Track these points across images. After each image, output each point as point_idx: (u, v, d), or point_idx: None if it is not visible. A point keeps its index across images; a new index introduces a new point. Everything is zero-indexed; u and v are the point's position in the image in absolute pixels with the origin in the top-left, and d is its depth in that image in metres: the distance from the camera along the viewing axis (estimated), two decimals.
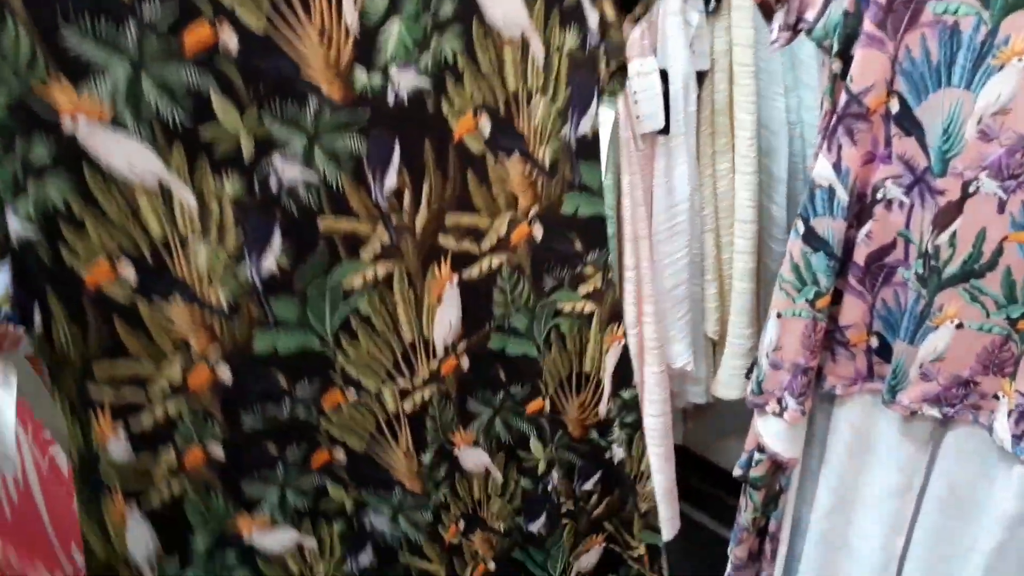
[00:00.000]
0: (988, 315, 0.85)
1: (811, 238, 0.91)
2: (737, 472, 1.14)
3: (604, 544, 0.91)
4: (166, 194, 0.53)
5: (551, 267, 0.74)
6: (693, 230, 1.21)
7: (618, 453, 0.86)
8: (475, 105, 0.64)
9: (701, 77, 1.17)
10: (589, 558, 0.90)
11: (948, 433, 0.94)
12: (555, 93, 0.69)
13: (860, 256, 0.90)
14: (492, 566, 0.84)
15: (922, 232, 0.85)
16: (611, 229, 1.15)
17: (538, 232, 0.71)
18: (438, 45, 0.61)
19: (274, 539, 0.67)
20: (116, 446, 0.57)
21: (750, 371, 1.08)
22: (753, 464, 1.10)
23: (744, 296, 1.24)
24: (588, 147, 0.73)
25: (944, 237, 0.84)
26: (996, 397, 0.88)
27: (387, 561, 0.74)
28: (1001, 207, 0.80)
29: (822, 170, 0.88)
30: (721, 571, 1.27)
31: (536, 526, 0.84)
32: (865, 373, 0.96)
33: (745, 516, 1.15)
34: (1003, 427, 0.87)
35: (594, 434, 0.84)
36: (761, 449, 1.07)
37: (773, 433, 1.06)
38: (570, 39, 0.67)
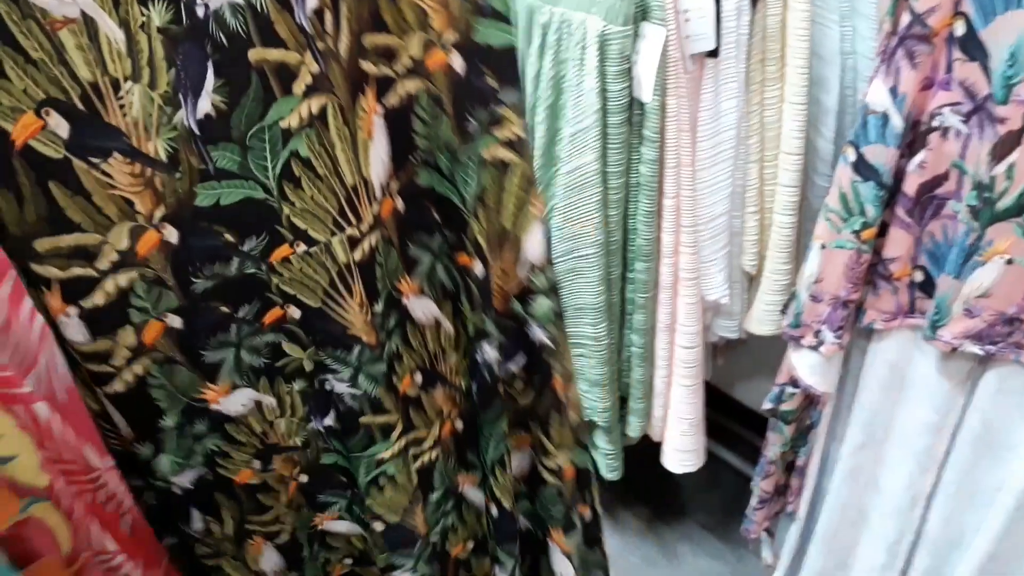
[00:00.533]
0: None
1: (861, 166, 0.89)
2: (767, 406, 1.14)
3: (531, 449, 0.87)
4: (91, 28, 0.51)
5: (471, 106, 0.70)
6: (737, 159, 1.18)
7: (538, 334, 0.80)
8: None
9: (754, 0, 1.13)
10: (520, 460, 0.87)
11: (988, 371, 0.93)
12: None
13: (911, 187, 0.87)
14: (460, 425, 0.84)
15: (978, 162, 0.83)
16: (653, 154, 1.13)
17: (457, 63, 0.68)
18: None
19: (234, 401, 0.68)
20: (70, 328, 0.57)
21: (785, 307, 1.07)
22: (785, 398, 1.10)
23: (784, 231, 1.21)
24: None
25: (1001, 168, 0.81)
26: None
27: (348, 427, 0.75)
28: None
29: (877, 95, 0.85)
30: (742, 506, 1.28)
31: (479, 394, 0.82)
32: (906, 308, 0.95)
33: (773, 450, 1.16)
34: None
35: (515, 304, 0.79)
36: (794, 383, 1.07)
37: (808, 367, 1.05)
38: None
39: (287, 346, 0.69)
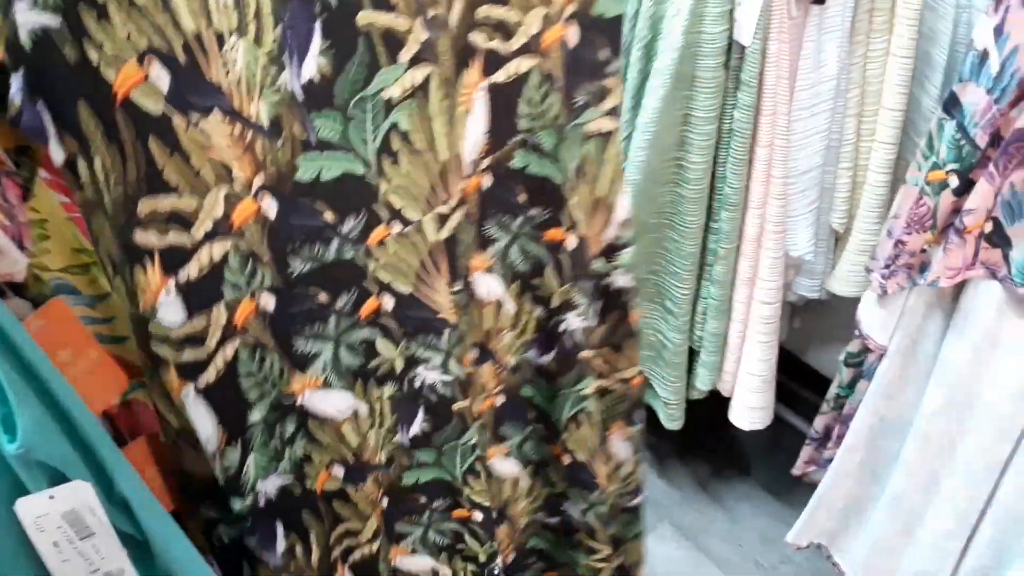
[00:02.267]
0: None
1: (950, 104, 0.87)
2: (842, 355, 1.13)
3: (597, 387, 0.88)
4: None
5: (582, 78, 0.69)
6: (835, 112, 1.16)
7: (619, 281, 0.81)
8: None
9: None
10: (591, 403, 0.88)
11: None
12: None
13: (1006, 131, 0.85)
14: (500, 401, 0.84)
15: None
16: (749, 99, 1.12)
17: (572, 35, 0.66)
18: None
19: (327, 402, 0.66)
20: (167, 306, 0.54)
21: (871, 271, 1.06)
22: (852, 341, 1.09)
23: (877, 189, 1.19)
24: None
25: None
26: None
27: (441, 419, 0.73)
28: None
29: (981, 31, 0.83)
30: None
31: (547, 360, 0.83)
32: (971, 260, 0.93)
33: (831, 391, 1.16)
34: None
35: (598, 264, 0.80)
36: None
37: (865, 308, 1.05)
38: None
39: (381, 344, 0.67)
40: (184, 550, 0.57)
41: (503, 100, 0.66)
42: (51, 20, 0.44)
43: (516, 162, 0.71)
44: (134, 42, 0.47)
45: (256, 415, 0.62)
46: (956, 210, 0.92)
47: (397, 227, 0.64)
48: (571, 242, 0.76)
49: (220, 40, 0.50)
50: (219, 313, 0.57)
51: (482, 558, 0.84)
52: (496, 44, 0.64)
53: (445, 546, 0.83)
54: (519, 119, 0.68)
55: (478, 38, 0.63)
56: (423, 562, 0.82)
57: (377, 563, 0.76)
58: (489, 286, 0.76)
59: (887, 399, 1.10)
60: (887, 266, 0.97)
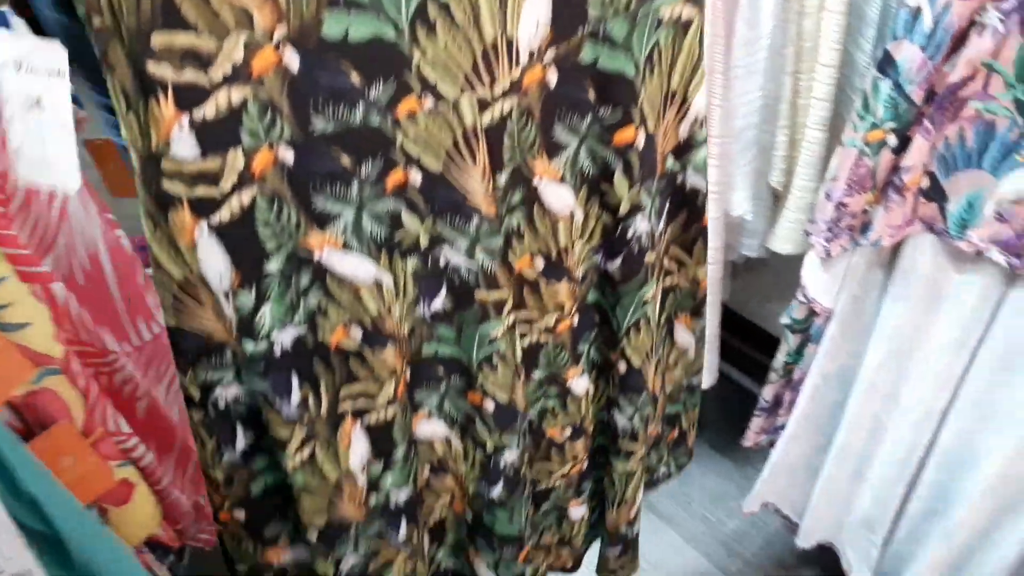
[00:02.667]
0: None
1: (884, 63, 0.87)
2: (784, 318, 1.14)
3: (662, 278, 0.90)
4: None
5: None
6: (771, 70, 1.15)
7: (692, 180, 0.81)
8: None
9: None
10: (651, 308, 0.89)
11: (1013, 287, 0.92)
12: None
13: (940, 86, 0.85)
14: (576, 320, 0.84)
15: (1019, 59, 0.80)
16: None
17: None
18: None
19: (346, 263, 0.65)
20: (181, 141, 0.54)
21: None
22: (795, 306, 1.10)
23: (815, 146, 1.19)
24: None
25: None
26: None
27: (462, 302, 0.72)
28: None
29: None
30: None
31: (613, 266, 0.81)
32: (909, 216, 0.94)
33: (778, 359, 1.17)
34: None
35: (671, 161, 0.78)
36: (804, 291, 1.07)
37: (810, 271, 1.05)
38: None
39: (406, 217, 0.66)
40: (105, 545, 0.55)
41: None
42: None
43: (585, 55, 0.67)
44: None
45: (273, 265, 0.62)
46: (895, 168, 0.92)
47: (429, 101, 0.62)
48: (640, 140, 0.73)
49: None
50: (235, 157, 0.57)
51: (489, 448, 0.83)
52: None
53: (459, 421, 0.83)
54: (588, 6, 0.65)
55: None
56: (439, 429, 0.83)
57: (392, 429, 0.76)
58: (561, 197, 0.73)
59: (833, 358, 1.12)
60: (829, 229, 0.98)
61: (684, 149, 0.78)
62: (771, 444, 1.27)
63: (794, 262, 1.11)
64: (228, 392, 0.69)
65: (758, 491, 1.29)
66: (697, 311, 0.96)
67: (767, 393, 1.23)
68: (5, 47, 0.51)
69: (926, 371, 1.03)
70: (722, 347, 1.41)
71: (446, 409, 0.82)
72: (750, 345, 1.63)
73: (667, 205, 0.82)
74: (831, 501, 1.24)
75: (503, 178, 0.69)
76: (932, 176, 0.91)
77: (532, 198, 0.72)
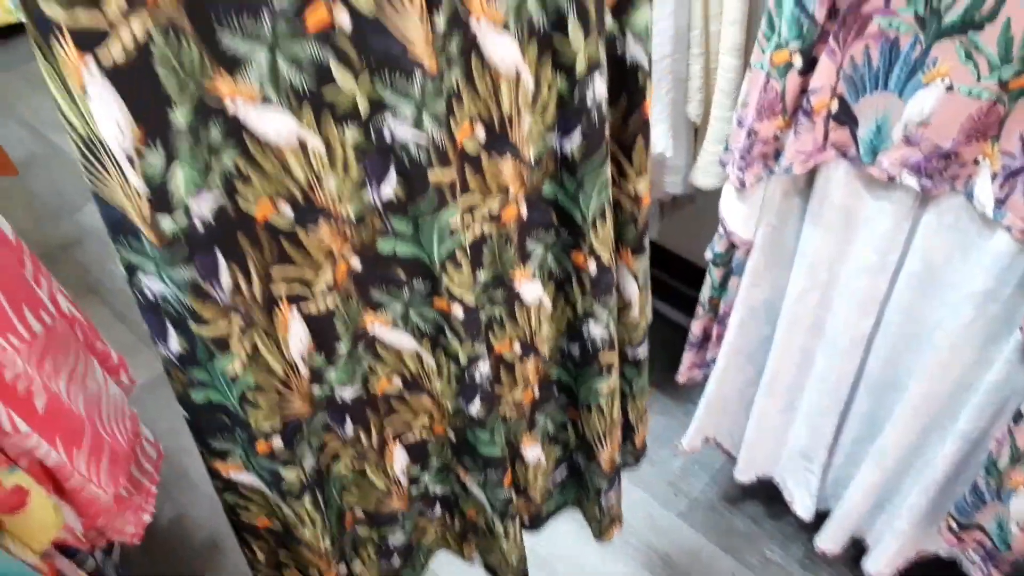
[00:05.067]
0: (979, 78, 0.78)
1: None
2: (707, 254, 1.11)
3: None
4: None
5: None
6: None
7: (636, 53, 0.72)
8: None
9: None
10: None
11: (927, 208, 0.90)
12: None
13: (842, 4, 0.82)
14: (524, 208, 0.77)
15: None
16: None
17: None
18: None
19: (266, 120, 0.59)
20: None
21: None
22: (717, 240, 1.08)
23: (730, 73, 1.15)
24: None
25: None
26: (976, 162, 0.83)
27: (416, 186, 0.66)
28: None
29: None
30: None
31: (570, 145, 0.73)
32: (820, 142, 0.91)
33: (703, 293, 1.15)
34: (985, 191, 0.83)
35: (608, 19, 0.70)
36: (724, 225, 1.05)
37: (727, 203, 1.03)
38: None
39: (337, 70, 0.58)
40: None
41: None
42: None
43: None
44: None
45: (179, 117, 0.54)
46: (803, 90, 0.89)
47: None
48: (592, 268, 0.78)
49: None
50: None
51: (463, 359, 0.78)
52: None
53: (428, 334, 0.78)
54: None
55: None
56: (407, 342, 0.79)
57: (333, 320, 0.72)
58: (504, 46, 0.65)
59: (757, 289, 1.10)
60: (742, 157, 0.94)
61: (623, 6, 0.69)
62: (705, 379, 1.26)
63: (717, 193, 1.08)
64: (152, 285, 0.62)
65: (696, 428, 1.29)
66: (639, 244, 0.86)
67: (695, 328, 1.21)
68: None
69: (848, 298, 1.02)
70: (654, 284, 1.39)
71: (413, 320, 0.76)
72: (682, 281, 1.61)
73: (609, 69, 0.73)
74: (765, 434, 1.24)
75: (441, 21, 0.61)
76: (841, 99, 0.88)
77: (470, 47, 0.64)
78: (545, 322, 0.87)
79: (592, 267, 0.80)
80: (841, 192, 0.94)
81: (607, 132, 0.73)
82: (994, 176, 0.81)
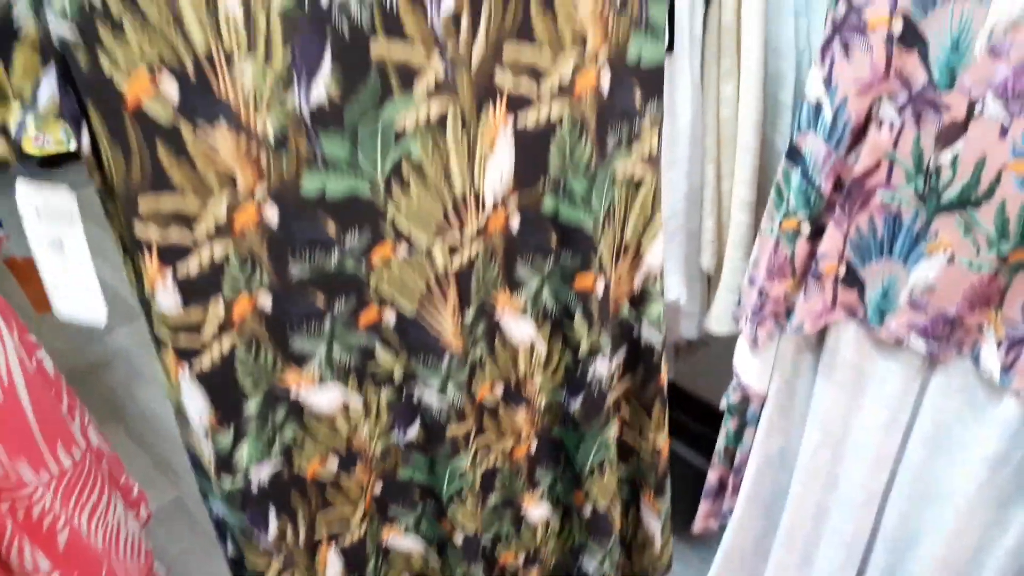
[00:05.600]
0: (979, 252, 0.82)
1: (793, 153, 0.89)
2: (722, 402, 1.13)
3: (620, 432, 0.90)
4: (211, 2, 0.50)
5: (614, 124, 0.68)
6: (693, 159, 1.17)
7: (651, 336, 0.82)
8: None
9: None
10: (614, 450, 0.90)
11: (936, 370, 0.92)
12: None
13: (847, 176, 0.87)
14: (534, 445, 0.85)
15: (919, 150, 0.82)
16: None
17: (605, 81, 0.65)
18: None
19: (321, 396, 0.67)
20: (164, 295, 0.57)
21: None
22: (731, 391, 1.10)
23: (741, 228, 1.20)
24: None
25: (946, 157, 0.80)
26: (981, 329, 0.86)
27: (435, 438, 0.74)
28: (1003, 132, 0.77)
29: (812, 83, 0.85)
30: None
31: (575, 405, 0.82)
32: (829, 303, 0.94)
33: (719, 443, 1.16)
34: (991, 357, 0.85)
35: (626, 309, 0.81)
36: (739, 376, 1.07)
37: (741, 357, 1.05)
38: None
39: (380, 352, 0.68)
40: None
41: (534, 144, 0.65)
42: (68, 32, 0.47)
43: (546, 207, 0.71)
44: (146, 55, 0.49)
45: (251, 405, 0.63)
46: (812, 254, 0.93)
47: (403, 249, 0.64)
48: (600, 287, 0.76)
49: (229, 59, 0.52)
50: (217, 307, 0.59)
51: None
52: (525, 88, 0.62)
53: (435, 542, 0.85)
54: (549, 164, 0.67)
55: (504, 79, 0.61)
56: (417, 545, 0.84)
57: (365, 544, 0.78)
58: (522, 328, 0.76)
59: (772, 440, 1.11)
60: (755, 315, 0.98)
61: (639, 300, 0.80)
62: (722, 529, 1.25)
63: (732, 337, 1.11)
64: (216, 508, 0.70)
65: None
66: (660, 488, 0.97)
67: (711, 477, 1.21)
68: (25, 196, 0.55)
69: (861, 454, 1.03)
70: (671, 425, 1.40)
71: (423, 529, 0.84)
72: (700, 421, 1.62)
73: (623, 353, 0.84)
74: None
75: (470, 314, 0.71)
76: (849, 264, 0.91)
77: (494, 329, 0.75)
78: (550, 539, 0.95)
79: (587, 511, 0.90)
80: (851, 350, 0.97)
81: (608, 402, 0.82)
82: (999, 343, 0.84)
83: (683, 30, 1.09)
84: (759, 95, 1.13)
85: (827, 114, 0.84)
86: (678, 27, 1.09)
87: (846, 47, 0.80)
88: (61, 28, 0.47)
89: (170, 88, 0.50)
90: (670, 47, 1.09)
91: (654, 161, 0.73)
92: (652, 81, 0.69)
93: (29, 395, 0.97)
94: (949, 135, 0.79)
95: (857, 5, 0.77)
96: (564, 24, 0.61)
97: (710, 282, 1.31)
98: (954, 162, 0.80)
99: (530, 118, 0.64)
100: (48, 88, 0.48)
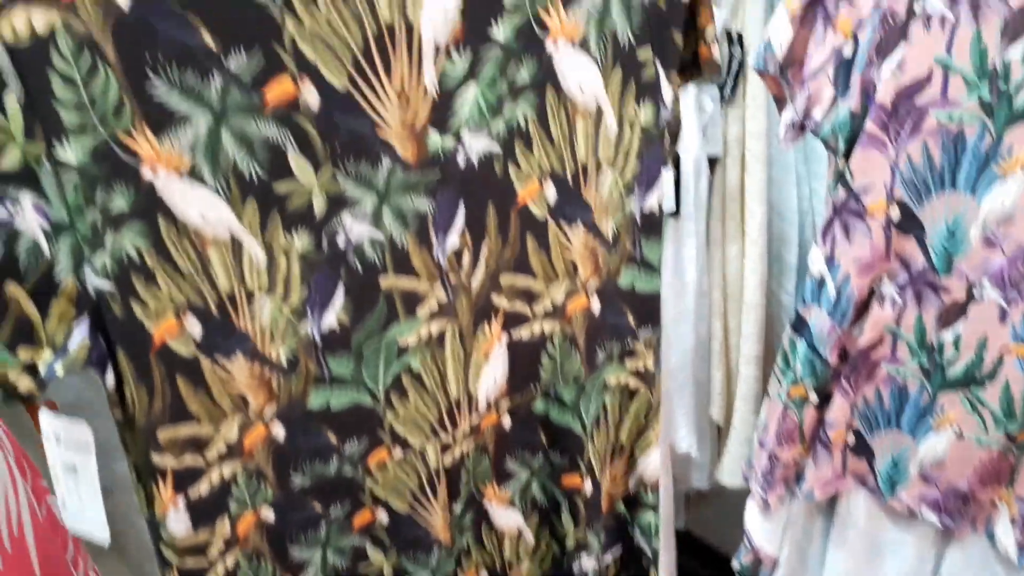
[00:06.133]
0: (987, 430, 0.83)
1: (798, 324, 0.91)
2: (735, 563, 1.11)
3: None
4: (236, 248, 0.53)
5: (604, 341, 0.71)
6: (700, 313, 1.20)
7: (639, 541, 0.83)
8: (541, 171, 0.63)
9: (713, 162, 1.17)
10: None
11: (952, 543, 0.91)
12: (625, 166, 0.67)
13: (852, 348, 0.89)
14: None
15: (924, 327, 0.84)
16: None
17: (596, 305, 0.69)
18: (512, 110, 0.60)
19: None
20: (175, 520, 0.57)
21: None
22: (743, 553, 1.08)
23: (750, 382, 1.22)
24: (653, 222, 0.71)
25: (949, 336, 0.82)
26: (994, 504, 0.86)
27: None
28: (1003, 316, 0.79)
29: (815, 259, 0.88)
30: None
31: None
32: (839, 470, 0.94)
33: None
34: (1007, 535, 0.84)
35: (620, 506, 0.81)
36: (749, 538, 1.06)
37: (751, 519, 1.04)
38: (644, 114, 0.66)
39: (371, 551, 0.67)
40: None
41: (525, 354, 0.68)
42: (107, 285, 0.50)
43: (538, 408, 0.73)
44: (175, 300, 0.52)
45: None
46: (820, 421, 0.94)
47: (399, 452, 0.65)
48: (588, 488, 0.76)
49: (250, 297, 0.54)
50: (223, 526, 0.59)
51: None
52: (520, 308, 0.67)
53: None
54: (541, 370, 0.70)
55: (500, 300, 0.65)
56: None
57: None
58: (509, 518, 0.76)
59: None
60: (765, 479, 0.98)
61: (632, 503, 0.81)
62: None
63: (744, 488, 1.10)
64: None
65: None
66: None
67: None
68: (47, 423, 0.59)
69: None
70: (681, 571, 1.37)
71: None
72: (710, 568, 1.58)
73: (618, 549, 0.83)
74: None
75: (458, 507, 0.71)
76: (857, 433, 0.92)
77: (481, 518, 0.75)
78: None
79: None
80: (863, 518, 0.96)
81: None
82: (1013, 520, 0.84)
83: (688, 194, 1.14)
84: (763, 255, 1.17)
85: (830, 290, 0.86)
86: (684, 191, 1.14)
87: (846, 229, 0.83)
88: (100, 283, 0.49)
89: (194, 327, 0.53)
90: (676, 212, 1.14)
91: (649, 378, 0.75)
92: (647, 307, 0.73)
93: (37, 546, 0.97)
94: (950, 316, 0.82)
95: (856, 190, 0.81)
96: (557, 259, 0.66)
97: (720, 432, 1.32)
98: (956, 341, 0.82)
99: (523, 333, 0.68)
100: (79, 335, 0.50)
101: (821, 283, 0.88)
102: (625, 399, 0.76)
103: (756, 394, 1.23)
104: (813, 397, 0.92)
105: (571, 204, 0.65)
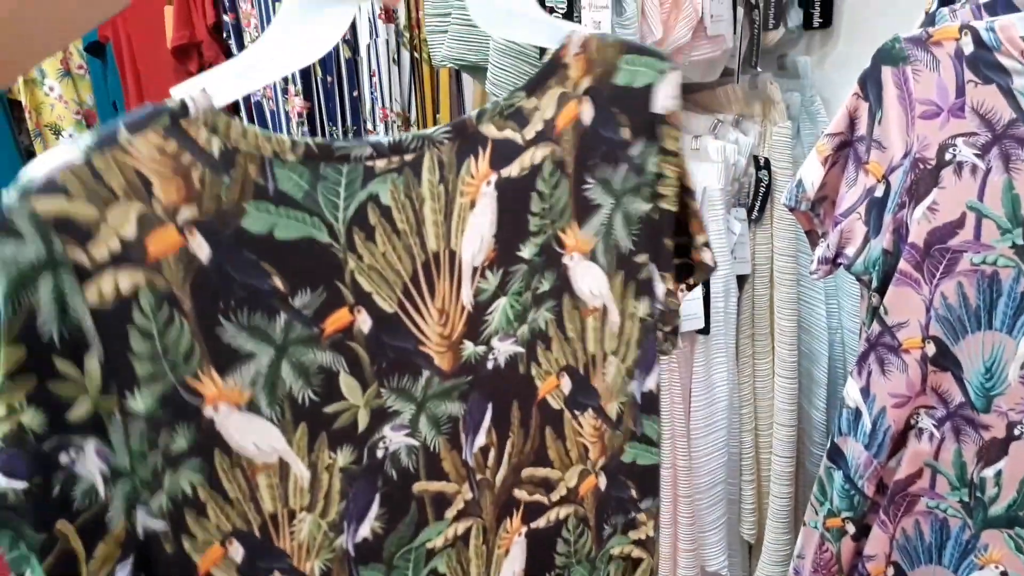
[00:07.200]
0: None
1: (834, 454, 0.90)
2: None
3: None
4: (284, 470, 0.53)
5: (610, 515, 0.74)
6: (731, 428, 1.19)
7: None
8: (559, 367, 0.66)
9: (742, 280, 1.19)
10: None
11: None
12: (626, 354, 0.71)
13: (889, 480, 0.88)
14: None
15: (964, 462, 0.83)
16: None
17: (602, 482, 0.72)
18: (534, 316, 0.64)
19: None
20: None
21: None
22: None
23: (781, 500, 1.20)
24: (651, 402, 0.74)
25: (990, 472, 0.81)
26: None
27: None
28: None
29: (851, 391, 0.88)
30: None
31: None
32: None
33: None
34: None
35: None
36: None
37: None
38: (641, 307, 0.70)
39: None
40: None
41: (541, 541, 0.70)
42: (160, 524, 0.50)
43: None
44: (221, 528, 0.52)
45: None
46: (859, 553, 0.92)
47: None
48: None
49: (292, 516, 0.55)
50: None
51: None
52: (538, 497, 0.68)
53: None
54: (556, 556, 0.72)
55: (521, 493, 0.67)
56: None
57: None
58: None
59: None
60: None
61: None
62: None
63: None
64: None
65: None
66: None
67: None
68: None
69: None
70: None
71: None
72: None
73: None
74: None
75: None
76: (897, 566, 0.90)
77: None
78: None
79: None
80: None
81: None
82: None
83: (718, 312, 1.14)
84: (793, 373, 1.17)
85: (866, 423, 0.86)
86: (713, 309, 1.14)
87: (882, 363, 0.83)
88: (154, 524, 0.49)
89: (237, 552, 0.53)
90: (706, 329, 1.14)
91: (650, 545, 0.77)
92: (648, 479, 0.75)
93: None
94: (991, 453, 0.81)
95: (891, 325, 0.82)
96: (572, 445, 0.69)
97: (751, 550, 1.29)
98: (998, 478, 0.81)
99: (541, 522, 0.70)
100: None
101: (857, 414, 0.88)
102: (629, 570, 0.76)
103: (788, 513, 1.21)
104: (851, 528, 0.91)
105: (583, 393, 0.69)
